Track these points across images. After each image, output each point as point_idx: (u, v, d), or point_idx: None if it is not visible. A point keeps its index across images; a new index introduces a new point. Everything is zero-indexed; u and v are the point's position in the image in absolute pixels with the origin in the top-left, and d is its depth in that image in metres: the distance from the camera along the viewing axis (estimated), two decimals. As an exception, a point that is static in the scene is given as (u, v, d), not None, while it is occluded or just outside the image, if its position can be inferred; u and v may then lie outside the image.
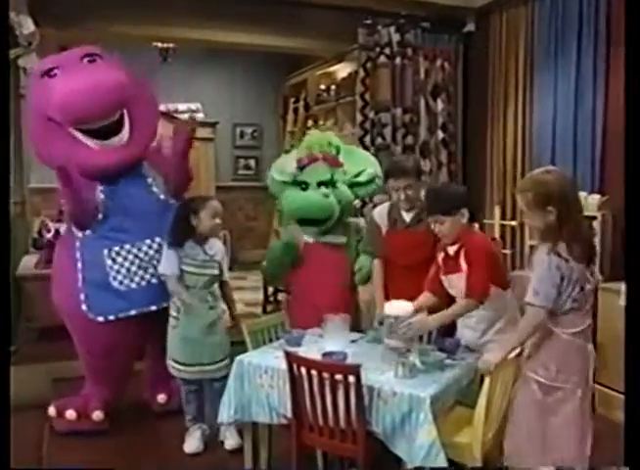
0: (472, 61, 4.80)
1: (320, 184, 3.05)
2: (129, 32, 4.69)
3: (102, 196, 2.98)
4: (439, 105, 4.69)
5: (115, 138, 2.89)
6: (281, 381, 2.38)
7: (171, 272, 2.84)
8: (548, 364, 2.09)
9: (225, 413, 2.51)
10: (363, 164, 3.23)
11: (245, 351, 2.67)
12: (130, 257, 2.96)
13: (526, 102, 4.22)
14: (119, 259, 2.95)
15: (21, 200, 4.83)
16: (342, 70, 6.21)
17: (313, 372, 2.21)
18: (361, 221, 3.34)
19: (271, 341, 2.82)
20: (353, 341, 2.67)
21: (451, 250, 2.52)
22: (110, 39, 5.30)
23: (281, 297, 5.58)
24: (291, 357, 2.28)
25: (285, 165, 3.22)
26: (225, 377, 2.65)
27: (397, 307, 2.43)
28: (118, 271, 2.94)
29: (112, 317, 2.94)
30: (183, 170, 3.16)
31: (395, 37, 4.51)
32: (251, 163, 7.97)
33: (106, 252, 2.94)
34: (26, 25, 3.85)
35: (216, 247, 2.94)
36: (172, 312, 2.89)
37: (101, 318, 2.94)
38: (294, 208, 3.10)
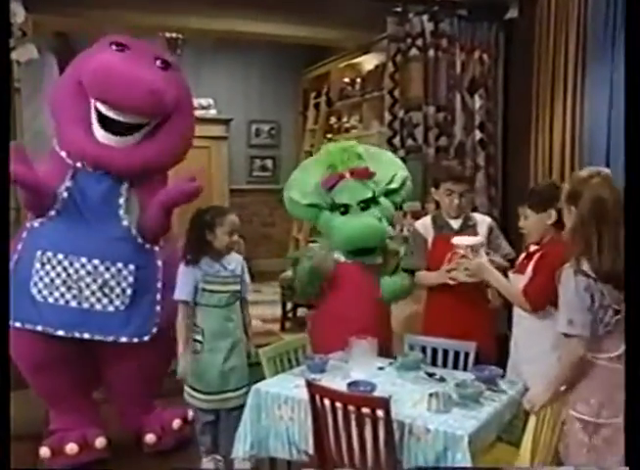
0: (514, 52, 4.75)
1: (362, 203, 3.06)
2: (134, 21, 4.75)
3: (65, 193, 2.96)
4: (477, 102, 4.66)
5: (125, 138, 2.91)
6: (302, 413, 2.38)
7: (186, 297, 2.83)
8: (588, 398, 2.06)
9: (240, 448, 2.52)
10: (392, 167, 3.25)
11: (260, 373, 2.68)
12: (59, 268, 2.91)
13: (577, 98, 4.16)
14: (47, 267, 2.91)
15: (16, 206, 4.92)
16: (369, 62, 6.22)
17: (338, 404, 2.21)
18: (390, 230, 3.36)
19: (291, 366, 2.83)
20: (381, 368, 2.68)
21: (531, 249, 2.66)
22: (112, 28, 5.40)
23: (301, 312, 5.61)
24: (313, 388, 2.28)
25: (304, 184, 3.19)
26: (244, 406, 2.65)
27: (466, 239, 2.82)
28: (41, 279, 2.91)
29: (18, 324, 2.88)
30: (160, 223, 3.04)
31: (429, 27, 4.49)
32: (268, 163, 8.01)
33: (39, 253, 2.92)
34: (19, 14, 3.91)
35: (235, 260, 2.96)
36: (195, 336, 2.88)
37: (17, 324, 2.89)
38: (351, 238, 3.05)
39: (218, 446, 2.97)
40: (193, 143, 3.31)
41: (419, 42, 4.50)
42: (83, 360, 3.09)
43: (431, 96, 4.54)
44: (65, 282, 2.91)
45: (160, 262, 3.06)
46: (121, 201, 3.00)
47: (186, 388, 2.93)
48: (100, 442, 3.10)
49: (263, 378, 2.70)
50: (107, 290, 2.94)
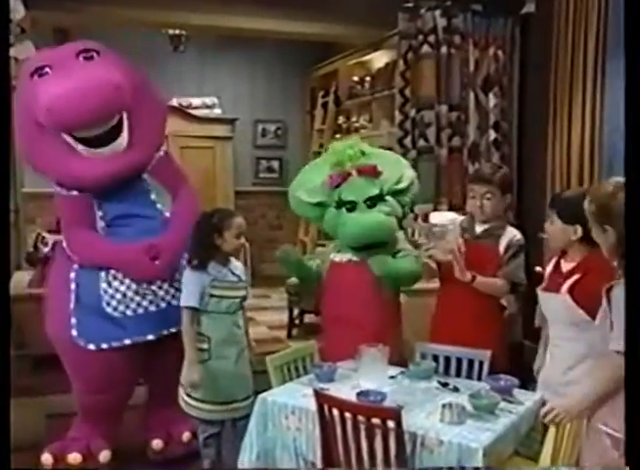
0: (530, 48, 4.75)
1: (368, 201, 3.07)
2: (136, 17, 4.77)
3: (102, 223, 3.04)
4: (491, 100, 4.66)
5: (110, 146, 2.91)
6: (310, 423, 2.37)
7: (194, 303, 2.82)
8: (620, 411, 2.03)
9: (246, 459, 2.52)
10: (398, 166, 3.25)
11: (264, 381, 2.68)
12: (127, 281, 3.00)
13: (597, 96, 4.14)
14: (115, 283, 3.00)
15: (14, 208, 4.93)
16: (379, 60, 6.22)
17: (347, 415, 2.20)
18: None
19: (298, 375, 2.83)
20: (392, 377, 2.67)
21: (565, 266, 2.57)
22: (113, 25, 5.43)
23: (308, 319, 5.60)
24: (321, 397, 2.27)
25: (311, 183, 3.21)
26: (249, 415, 2.64)
27: (442, 216, 2.86)
28: (113, 296, 2.99)
29: (104, 346, 2.97)
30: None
31: (441, 22, 4.50)
32: (275, 164, 8.01)
33: (103, 274, 3.00)
34: (18, 10, 3.94)
35: (239, 266, 2.99)
36: (200, 344, 2.86)
37: (92, 346, 2.99)
38: (357, 233, 3.07)
39: (222, 457, 2.97)
40: (166, 118, 3.27)
41: (431, 39, 4.51)
42: (139, 370, 3.20)
43: (443, 95, 4.55)
44: (137, 292, 3.01)
45: None
46: (153, 196, 3.11)
47: (187, 399, 2.90)
48: (104, 455, 3.10)
49: (268, 387, 2.69)
50: (176, 284, 3.05)
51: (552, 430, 2.07)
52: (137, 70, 3.12)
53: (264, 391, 2.62)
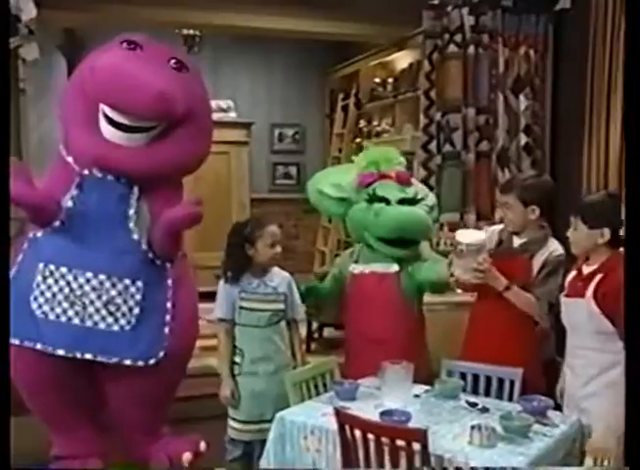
0: (565, 47, 4.71)
1: (401, 202, 3.11)
2: (149, 17, 4.82)
3: (70, 203, 2.94)
4: (522, 102, 4.64)
5: (134, 135, 2.89)
6: (330, 445, 2.36)
7: (224, 315, 2.89)
8: None
9: (262, 482, 2.52)
10: (423, 188, 3.39)
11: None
12: (61, 282, 2.88)
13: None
14: (49, 281, 2.89)
15: (21, 215, 4.98)
16: (402, 60, 6.23)
17: (369, 436, 2.19)
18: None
19: (318, 393, 2.82)
20: (417, 396, 2.67)
21: (587, 269, 2.56)
22: (125, 25, 5.49)
23: (327, 333, 5.59)
24: (342, 416, 2.26)
25: (338, 179, 3.27)
26: None
27: (470, 234, 2.84)
28: (42, 293, 2.89)
29: (16, 341, 2.87)
30: (168, 245, 2.99)
31: (469, 21, 4.49)
32: (292, 170, 8.03)
33: (41, 266, 2.90)
34: (27, 10, 3.99)
35: (279, 277, 3.01)
36: (235, 357, 2.93)
37: (15, 341, 2.87)
38: (395, 223, 3.06)
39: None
40: (209, 152, 3.28)
41: (458, 38, 4.50)
42: (86, 382, 3.06)
43: (470, 97, 4.54)
44: (67, 298, 2.89)
45: (170, 281, 3.02)
46: (131, 212, 2.98)
47: (229, 416, 2.95)
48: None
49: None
50: (112, 307, 2.90)
51: (589, 457, 2.05)
52: (203, 93, 3.17)
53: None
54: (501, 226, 3.13)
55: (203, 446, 3.12)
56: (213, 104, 6.81)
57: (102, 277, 2.89)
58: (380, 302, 3.13)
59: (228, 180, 6.79)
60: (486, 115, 4.57)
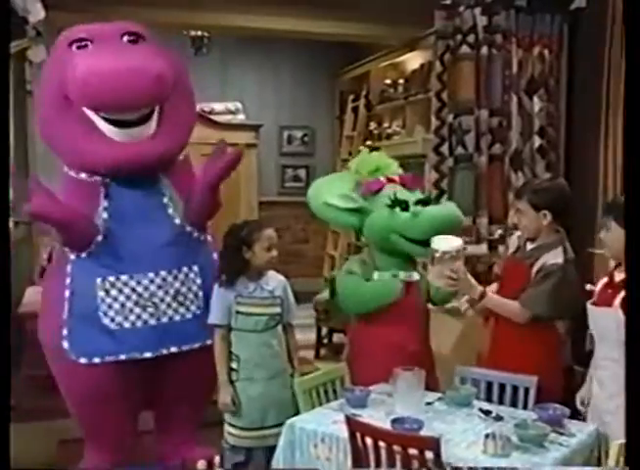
0: (580, 47, 4.69)
1: (418, 203, 3.09)
2: (156, 18, 4.84)
3: (104, 215, 3.00)
4: (536, 104, 4.61)
5: (139, 128, 2.90)
6: (341, 453, 2.36)
7: (220, 321, 2.88)
8: None
9: (271, 490, 2.52)
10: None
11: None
12: (126, 290, 2.95)
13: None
14: (113, 292, 2.94)
15: (27, 220, 5.00)
16: (413, 61, 6.23)
17: (381, 444, 2.19)
18: None
19: (328, 399, 2.82)
20: (429, 403, 2.66)
21: (619, 276, 2.52)
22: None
23: (337, 338, 5.59)
24: (353, 424, 2.26)
25: (340, 189, 3.22)
26: None
27: (446, 241, 2.80)
28: (110, 306, 2.93)
29: (97, 360, 2.92)
30: (210, 204, 3.13)
31: (481, 21, 4.47)
32: (301, 173, 8.05)
33: (99, 281, 2.95)
34: (35, 12, 4.02)
35: (275, 280, 2.99)
36: (231, 364, 2.92)
37: (84, 360, 2.93)
38: (437, 221, 2.99)
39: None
40: (196, 118, 3.32)
41: (470, 38, 4.48)
42: (142, 386, 3.14)
43: (483, 98, 4.51)
44: (137, 303, 2.95)
45: (215, 255, 3.13)
46: (166, 200, 3.06)
47: (226, 422, 2.94)
48: None
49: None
50: (181, 298, 3.01)
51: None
52: (177, 61, 3.15)
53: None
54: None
55: (217, 459, 3.13)
56: (221, 106, 6.89)
57: (163, 273, 2.98)
58: (407, 310, 3.11)
59: (236, 183, 6.78)
60: (499, 116, 4.55)
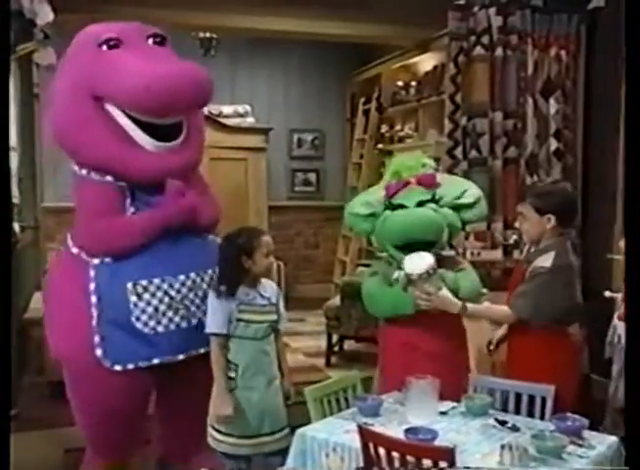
0: (598, 47, 4.68)
1: (420, 205, 3.10)
2: (164, 19, 4.86)
3: (131, 208, 3.02)
4: (552, 106, 4.61)
5: (174, 141, 2.95)
6: (353, 463, 2.34)
7: (219, 329, 2.86)
8: None
9: (281, 501, 2.51)
10: (463, 184, 3.27)
11: (301, 415, 2.66)
12: (159, 294, 2.96)
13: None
14: (146, 296, 2.95)
15: (33, 224, 5.03)
16: (426, 63, 6.24)
17: (394, 454, 2.17)
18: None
19: (340, 408, 2.81)
20: (443, 412, 2.64)
21: None
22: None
23: (348, 345, 5.59)
24: (366, 434, 2.24)
25: (369, 197, 3.28)
26: (283, 451, 2.65)
27: (416, 262, 2.84)
28: (144, 311, 2.95)
29: (131, 366, 2.95)
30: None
31: (496, 21, 4.48)
32: (312, 177, 8.05)
33: (130, 285, 2.95)
34: (43, 14, 4.05)
35: (270, 287, 3.01)
36: (229, 373, 2.89)
37: (118, 367, 2.95)
38: (401, 227, 3.06)
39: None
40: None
41: (485, 39, 4.48)
42: (155, 392, 3.20)
43: (498, 101, 4.51)
44: (170, 306, 2.97)
45: None
46: None
47: (211, 431, 2.92)
48: None
49: (306, 421, 2.68)
50: (207, 299, 3.03)
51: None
52: None
53: (300, 425, 2.61)
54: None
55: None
56: (230, 109, 6.92)
57: (192, 275, 3.02)
58: (422, 310, 3.06)
59: (245, 187, 6.81)
60: (515, 119, 4.55)
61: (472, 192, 3.18)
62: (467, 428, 2.50)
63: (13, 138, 4.53)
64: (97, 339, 2.95)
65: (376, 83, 7.19)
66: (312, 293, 7.09)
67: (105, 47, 2.92)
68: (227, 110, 6.85)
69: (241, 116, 6.92)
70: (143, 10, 4.62)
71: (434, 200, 3.10)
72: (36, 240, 5.14)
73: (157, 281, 2.96)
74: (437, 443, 2.27)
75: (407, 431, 2.33)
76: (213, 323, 2.87)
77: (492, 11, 4.47)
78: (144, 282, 2.96)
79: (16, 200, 4.55)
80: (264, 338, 2.92)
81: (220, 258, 2.93)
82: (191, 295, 3.00)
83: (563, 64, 4.61)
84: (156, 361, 2.96)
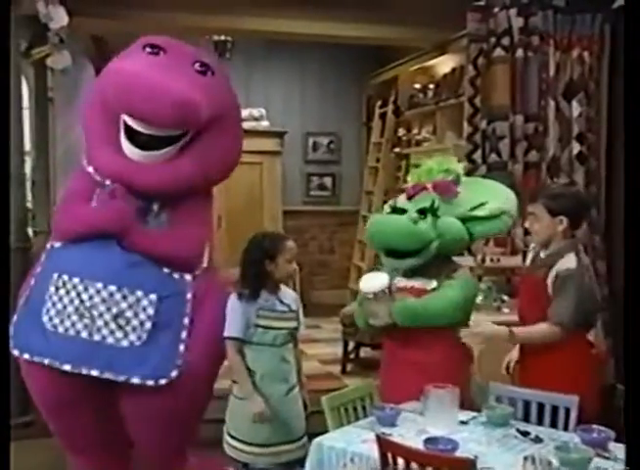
0: (623, 47, 4.63)
1: (421, 212, 3.07)
2: (179, 22, 4.89)
3: None
4: (575, 109, 4.56)
5: (152, 153, 2.93)
6: (371, 474, 2.33)
7: (237, 334, 2.88)
8: None
9: (298, 512, 2.50)
10: (488, 195, 3.17)
11: (317, 424, 2.65)
12: (72, 293, 2.89)
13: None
14: (61, 292, 2.90)
15: (47, 229, 5.05)
16: (444, 65, 6.22)
17: (413, 465, 2.15)
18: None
19: (357, 417, 2.80)
20: (464, 422, 2.62)
21: None
22: (155, 31, 5.56)
23: (364, 353, 5.57)
24: (384, 443, 2.23)
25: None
26: (301, 460, 2.66)
27: (372, 281, 2.97)
28: (54, 305, 2.90)
29: (26, 356, 2.92)
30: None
31: (517, 22, 4.44)
32: (327, 181, 8.06)
33: (55, 276, 2.93)
34: (57, 18, 4.08)
35: (290, 294, 3.04)
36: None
37: (16, 352, 2.94)
38: (370, 232, 3.14)
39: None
40: (239, 159, 3.33)
41: (505, 41, 4.45)
42: (104, 400, 3.05)
43: (519, 103, 4.48)
44: (77, 309, 2.88)
45: (189, 295, 3.03)
46: (149, 227, 3.03)
47: (228, 439, 2.94)
48: None
49: (322, 429, 2.67)
50: (122, 321, 2.89)
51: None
52: (236, 102, 3.32)
53: (317, 434, 2.60)
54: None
55: None
56: (245, 112, 6.91)
57: (112, 288, 2.89)
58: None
59: (260, 192, 6.83)
60: (536, 122, 4.51)
61: (491, 205, 3.09)
62: (488, 438, 2.48)
63: (27, 142, 4.57)
64: (14, 318, 2.98)
65: (393, 86, 7.18)
66: (328, 299, 7.08)
67: (147, 49, 3.04)
68: (242, 113, 6.84)
69: (256, 119, 6.94)
70: (158, 13, 4.65)
71: (432, 208, 3.06)
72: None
73: (76, 280, 2.90)
74: (458, 453, 2.25)
75: (427, 441, 2.31)
76: (232, 327, 2.88)
77: (513, 11, 4.44)
78: (65, 277, 2.92)
79: (29, 204, 4.58)
80: (283, 345, 2.94)
81: (243, 261, 2.95)
82: (102, 307, 2.87)
83: (586, 65, 4.56)
84: (46, 362, 2.88)
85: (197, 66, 3.05)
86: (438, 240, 3.02)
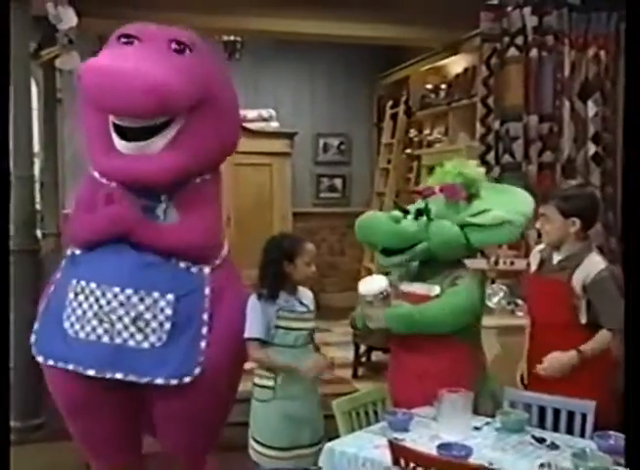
0: (640, 47, 4.62)
1: (419, 213, 3.10)
2: (188, 22, 4.86)
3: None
4: (591, 109, 4.56)
5: (140, 143, 2.90)
6: (383, 480, 2.32)
7: (259, 335, 2.89)
8: None
9: (310, 518, 2.49)
10: (498, 203, 3.10)
11: (331, 428, 2.65)
12: (91, 299, 2.92)
13: None
14: (80, 298, 2.93)
15: (55, 231, 5.08)
16: (456, 65, 6.20)
17: (427, 472, 2.14)
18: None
19: (369, 422, 2.80)
20: (477, 428, 2.60)
21: None
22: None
23: (376, 357, 5.55)
24: (397, 449, 2.22)
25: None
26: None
27: (370, 284, 2.97)
28: (74, 311, 2.92)
29: (51, 362, 2.94)
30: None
31: (531, 21, 4.44)
32: (337, 183, 8.05)
33: (74, 282, 2.96)
34: (66, 19, 4.10)
35: (307, 295, 3.06)
36: (261, 381, 2.93)
37: (40, 359, 2.98)
38: (356, 227, 3.17)
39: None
40: (239, 136, 3.30)
41: (519, 40, 4.45)
42: (127, 404, 3.08)
43: (533, 104, 4.48)
44: (96, 315, 2.90)
45: (208, 290, 3.02)
46: (159, 221, 3.03)
47: (253, 444, 2.95)
48: None
49: (333, 434, 2.68)
50: (141, 324, 2.90)
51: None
52: (226, 79, 3.22)
53: (328, 439, 2.61)
54: (542, 246, 3.12)
55: None
56: (255, 113, 6.95)
57: (129, 292, 2.90)
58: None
59: (270, 193, 6.83)
60: (550, 122, 4.50)
61: (493, 214, 3.01)
62: (502, 445, 2.46)
63: (35, 144, 4.59)
64: (36, 325, 3.01)
65: (404, 86, 7.17)
66: (338, 302, 7.04)
67: (122, 40, 3.02)
68: (251, 114, 6.88)
69: (265, 120, 6.95)
70: (166, 14, 4.65)
71: (425, 210, 3.05)
72: (58, 246, 5.19)
73: (93, 285, 2.92)
74: (472, 459, 2.23)
75: (440, 447, 2.29)
76: (253, 327, 2.89)
77: (527, 10, 4.44)
78: (83, 283, 2.94)
79: (38, 206, 4.60)
80: (303, 346, 2.96)
81: (262, 261, 2.98)
82: (121, 311, 2.88)
83: (602, 64, 4.56)
84: (70, 367, 2.89)
85: (173, 45, 2.98)
86: (427, 242, 3.02)
